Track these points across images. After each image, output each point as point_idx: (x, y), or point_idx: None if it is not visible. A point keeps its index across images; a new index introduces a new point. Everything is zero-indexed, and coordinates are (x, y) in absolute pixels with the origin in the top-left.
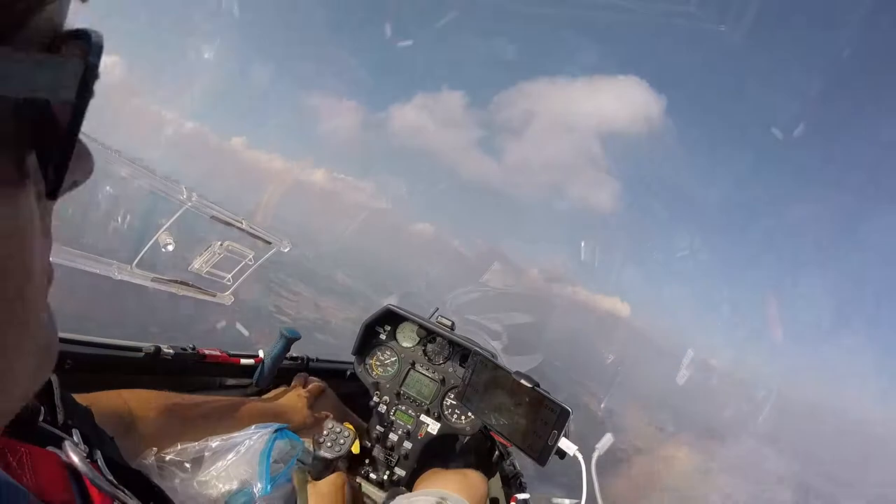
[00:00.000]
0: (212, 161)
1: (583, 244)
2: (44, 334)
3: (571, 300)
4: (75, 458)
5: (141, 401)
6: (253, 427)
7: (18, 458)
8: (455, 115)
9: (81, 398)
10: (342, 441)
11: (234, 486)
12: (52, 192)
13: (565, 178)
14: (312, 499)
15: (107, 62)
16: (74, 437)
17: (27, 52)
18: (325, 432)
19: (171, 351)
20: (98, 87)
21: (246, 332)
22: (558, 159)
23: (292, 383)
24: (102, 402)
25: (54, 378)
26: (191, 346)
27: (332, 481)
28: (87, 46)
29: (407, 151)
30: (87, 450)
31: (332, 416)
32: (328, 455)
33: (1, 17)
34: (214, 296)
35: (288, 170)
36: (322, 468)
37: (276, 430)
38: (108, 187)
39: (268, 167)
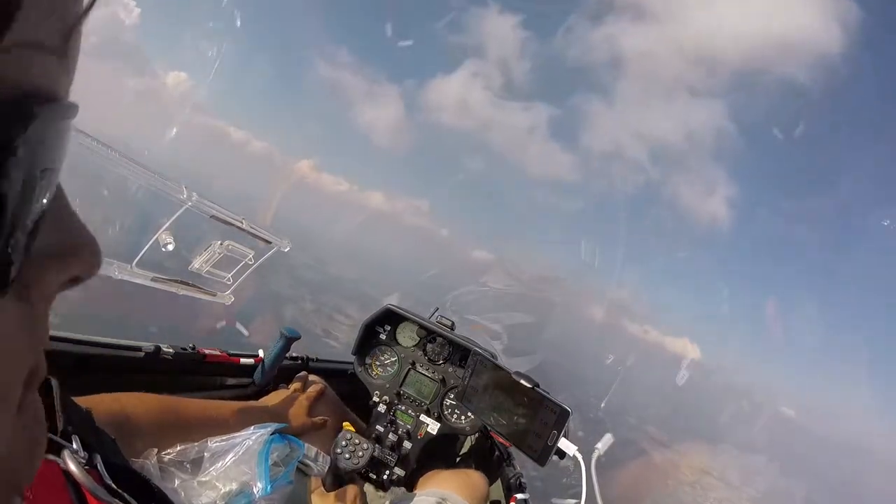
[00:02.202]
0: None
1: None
2: (18, 437)
3: (642, 340)
4: (73, 468)
5: (138, 405)
6: (252, 427)
7: None
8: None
9: (79, 402)
10: (360, 453)
11: (234, 486)
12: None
13: (665, 174)
14: None
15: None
16: (74, 445)
17: None
18: (343, 443)
19: (171, 350)
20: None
21: (246, 332)
22: (656, 135)
23: (292, 383)
24: (100, 406)
25: (54, 383)
26: (191, 345)
27: (345, 494)
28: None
29: (460, 146)
30: (87, 456)
31: (330, 419)
32: (346, 467)
33: None
34: (214, 295)
35: (351, 191)
36: (338, 480)
37: (273, 431)
38: (106, 188)
39: (336, 189)
